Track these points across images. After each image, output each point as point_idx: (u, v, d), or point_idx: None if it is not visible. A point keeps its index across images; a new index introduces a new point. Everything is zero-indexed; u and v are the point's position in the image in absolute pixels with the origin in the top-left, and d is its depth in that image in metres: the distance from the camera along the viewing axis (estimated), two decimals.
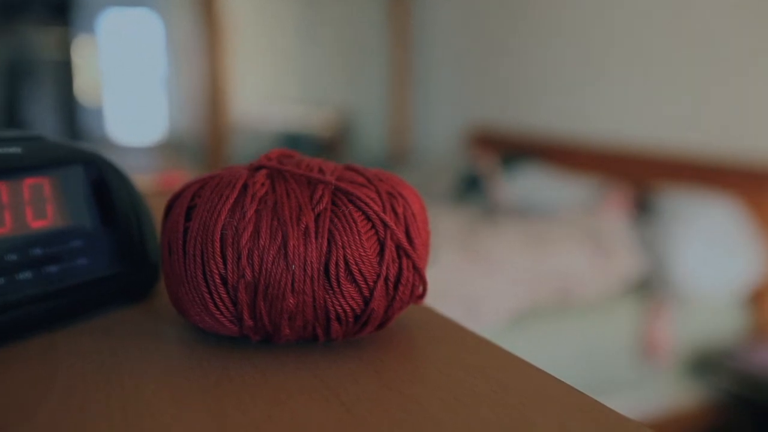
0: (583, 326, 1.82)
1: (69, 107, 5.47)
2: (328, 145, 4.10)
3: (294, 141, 4.32)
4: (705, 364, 1.91)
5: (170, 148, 6.45)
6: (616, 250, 1.95)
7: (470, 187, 2.72)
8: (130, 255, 0.41)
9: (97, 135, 6.70)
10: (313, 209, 0.33)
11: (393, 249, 0.34)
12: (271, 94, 5.12)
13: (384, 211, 0.34)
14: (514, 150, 2.82)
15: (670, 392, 1.91)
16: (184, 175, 4.17)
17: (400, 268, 0.34)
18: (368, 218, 0.34)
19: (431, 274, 1.76)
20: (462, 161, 2.81)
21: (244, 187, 0.34)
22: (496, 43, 3.00)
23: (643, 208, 2.10)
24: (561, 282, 1.86)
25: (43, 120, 5.31)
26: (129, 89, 6.98)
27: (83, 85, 5.96)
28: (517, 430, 0.28)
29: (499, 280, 1.78)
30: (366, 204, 0.34)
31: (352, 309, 0.34)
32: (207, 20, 2.83)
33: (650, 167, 2.27)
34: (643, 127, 2.35)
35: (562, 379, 0.33)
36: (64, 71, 5.38)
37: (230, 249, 0.33)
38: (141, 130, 7.00)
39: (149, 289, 0.43)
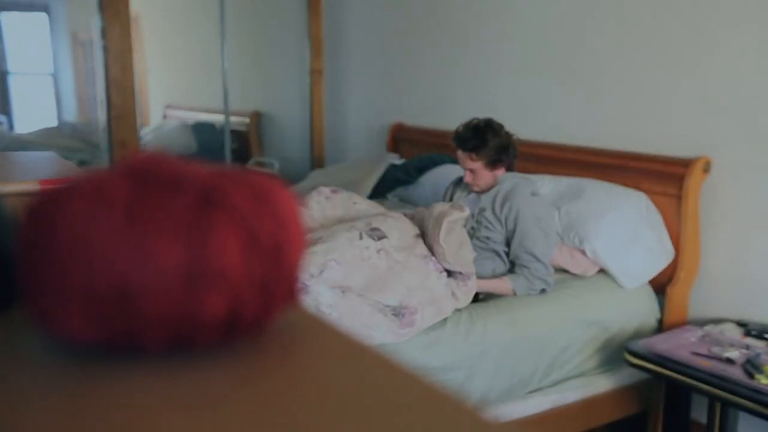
0: (504, 323, 1.84)
1: None
2: (246, 146, 4.03)
3: (209, 141, 4.22)
4: (620, 348, 1.98)
5: (74, 144, 6.15)
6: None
7: (389, 185, 2.74)
8: None
9: None
10: (177, 212, 0.32)
11: (262, 251, 0.33)
12: (185, 95, 4.99)
13: (253, 214, 0.33)
14: (429, 149, 2.86)
15: (590, 378, 1.96)
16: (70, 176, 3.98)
17: (270, 270, 0.34)
18: (235, 220, 0.33)
19: (357, 275, 1.71)
20: (381, 160, 2.83)
21: (105, 191, 0.32)
22: (411, 48, 3.04)
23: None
24: (486, 280, 1.89)
25: None
26: (25, 84, 6.63)
27: None
28: (380, 427, 0.28)
29: (426, 277, 1.76)
30: (233, 206, 0.33)
31: (220, 314, 0.33)
32: (113, 20, 2.72)
33: (564, 163, 2.34)
34: (555, 126, 2.43)
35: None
36: None
37: (88, 255, 0.31)
38: (36, 124, 6.66)
39: (12, 300, 0.40)
